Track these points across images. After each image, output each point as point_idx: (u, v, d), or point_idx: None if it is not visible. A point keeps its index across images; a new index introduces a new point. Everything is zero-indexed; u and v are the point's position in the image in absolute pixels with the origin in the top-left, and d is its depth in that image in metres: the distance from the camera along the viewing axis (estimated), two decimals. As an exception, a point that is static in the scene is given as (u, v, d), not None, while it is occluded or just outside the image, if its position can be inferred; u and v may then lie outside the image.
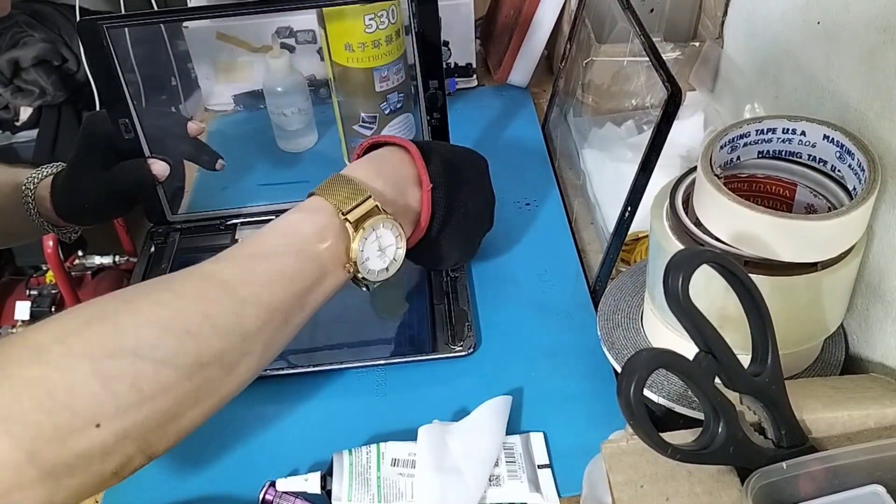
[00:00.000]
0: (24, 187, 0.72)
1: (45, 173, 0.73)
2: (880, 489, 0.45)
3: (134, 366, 0.45)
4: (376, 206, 0.58)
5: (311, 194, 0.59)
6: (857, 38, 0.59)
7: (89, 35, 0.68)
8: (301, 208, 0.58)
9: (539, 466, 0.59)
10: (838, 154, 0.54)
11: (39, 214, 0.72)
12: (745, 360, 0.46)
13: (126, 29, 0.75)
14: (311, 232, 0.56)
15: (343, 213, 0.57)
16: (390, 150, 0.65)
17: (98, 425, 0.43)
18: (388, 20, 0.79)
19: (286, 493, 0.57)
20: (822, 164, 0.56)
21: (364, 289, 0.61)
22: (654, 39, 0.67)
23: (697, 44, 0.88)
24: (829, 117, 0.57)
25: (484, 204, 0.71)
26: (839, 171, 0.55)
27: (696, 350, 0.44)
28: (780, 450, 0.47)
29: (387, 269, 0.61)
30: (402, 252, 0.61)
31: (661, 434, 0.43)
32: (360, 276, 0.58)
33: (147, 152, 0.75)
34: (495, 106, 1.01)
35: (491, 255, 0.78)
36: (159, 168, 0.73)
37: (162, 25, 0.95)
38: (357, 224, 0.57)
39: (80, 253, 1.53)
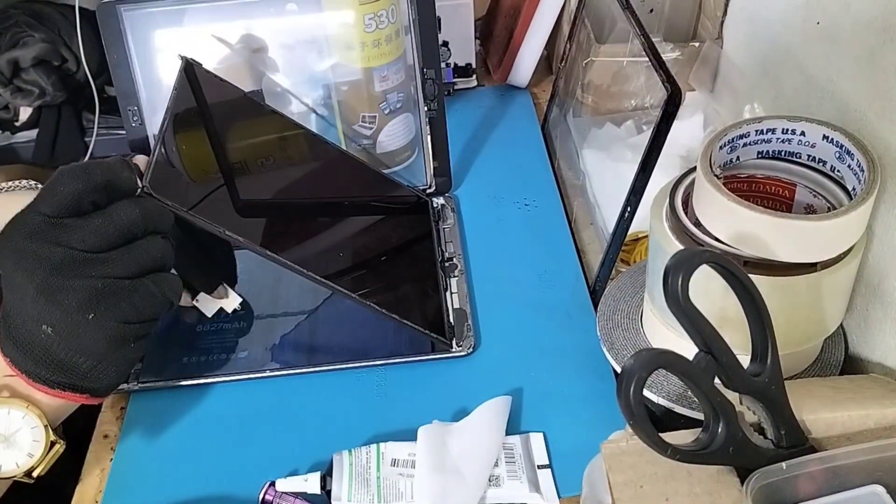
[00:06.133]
0: None
1: None
2: (880, 489, 0.45)
3: None
4: None
5: None
6: (857, 39, 0.59)
7: (107, 19, 0.71)
8: None
9: (539, 467, 0.59)
10: (838, 154, 0.54)
11: None
12: (744, 360, 0.46)
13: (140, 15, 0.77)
14: None
15: None
16: None
17: None
18: (388, 20, 0.79)
19: (286, 493, 0.57)
20: (821, 164, 0.56)
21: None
22: (653, 40, 0.68)
23: (697, 44, 0.88)
24: (829, 118, 0.57)
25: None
26: (839, 171, 0.55)
27: (696, 350, 0.44)
28: (780, 450, 0.47)
29: (30, 454, 0.53)
30: (39, 429, 0.52)
31: (660, 434, 0.43)
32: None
33: (153, 146, 0.76)
34: (495, 106, 1.00)
35: (491, 256, 0.78)
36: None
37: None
38: None
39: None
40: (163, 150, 0.60)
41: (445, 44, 0.98)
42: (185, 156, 0.67)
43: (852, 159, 0.53)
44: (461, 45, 1.00)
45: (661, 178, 0.61)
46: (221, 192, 0.70)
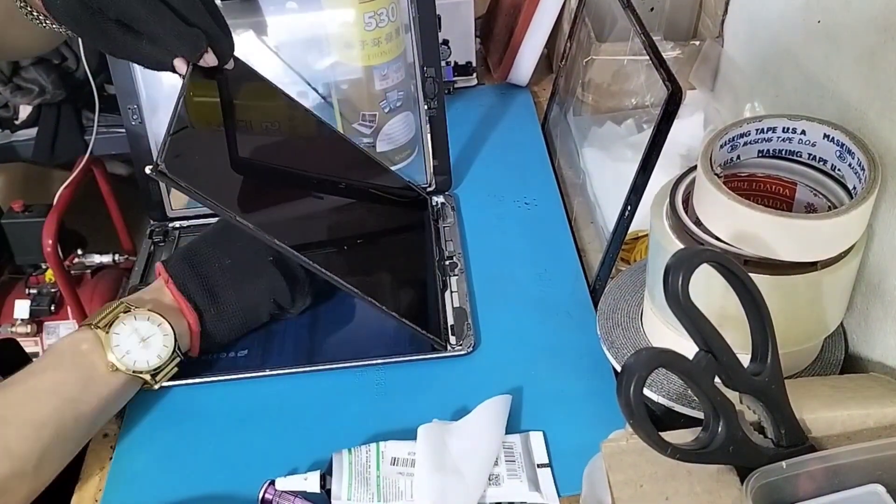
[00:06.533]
0: None
1: None
2: (880, 489, 0.45)
3: None
4: (123, 306, 0.63)
5: None
6: (858, 38, 0.59)
7: None
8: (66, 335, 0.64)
9: (539, 466, 0.59)
10: (838, 153, 0.54)
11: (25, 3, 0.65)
12: (745, 359, 0.46)
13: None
14: (66, 346, 0.62)
15: (93, 324, 0.62)
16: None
17: None
18: (388, 18, 0.79)
19: (286, 492, 0.57)
20: (822, 163, 0.56)
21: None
22: (654, 38, 0.67)
23: (697, 42, 0.88)
24: (830, 116, 0.57)
25: (254, 262, 0.68)
26: (839, 170, 0.55)
27: (696, 349, 0.44)
28: (780, 449, 0.47)
29: (159, 356, 0.63)
30: (170, 338, 0.63)
31: (660, 433, 0.43)
32: (132, 371, 0.62)
33: (152, 144, 0.76)
34: (495, 105, 1.00)
35: (491, 255, 0.78)
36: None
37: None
38: (107, 327, 0.62)
39: (79, 251, 1.53)
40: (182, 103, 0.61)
41: (446, 42, 0.98)
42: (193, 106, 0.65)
43: (853, 158, 0.53)
44: (461, 43, 1.00)
45: (661, 177, 0.61)
46: (232, 173, 0.69)
